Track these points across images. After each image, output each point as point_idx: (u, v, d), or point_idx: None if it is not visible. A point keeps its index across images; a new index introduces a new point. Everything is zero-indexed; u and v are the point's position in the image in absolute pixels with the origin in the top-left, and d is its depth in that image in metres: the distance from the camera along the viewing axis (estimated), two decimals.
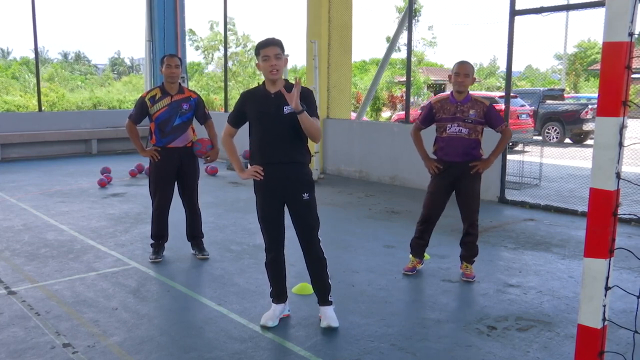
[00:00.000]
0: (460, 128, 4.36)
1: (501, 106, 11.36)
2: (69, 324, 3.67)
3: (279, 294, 3.72)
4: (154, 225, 5.05)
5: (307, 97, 3.45)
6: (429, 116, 4.54)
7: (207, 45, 27.32)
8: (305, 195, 3.53)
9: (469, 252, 4.60)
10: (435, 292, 4.35)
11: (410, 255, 4.76)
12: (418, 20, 25.95)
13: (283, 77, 3.52)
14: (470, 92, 4.48)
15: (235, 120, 3.67)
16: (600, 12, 6.28)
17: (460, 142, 4.38)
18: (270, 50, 3.37)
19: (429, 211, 4.60)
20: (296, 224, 3.60)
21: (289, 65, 3.62)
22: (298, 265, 3.72)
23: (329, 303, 3.68)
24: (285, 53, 3.47)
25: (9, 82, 26.91)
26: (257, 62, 3.48)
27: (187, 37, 25.69)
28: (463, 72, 4.33)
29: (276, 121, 3.44)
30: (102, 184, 8.71)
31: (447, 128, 4.40)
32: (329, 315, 3.64)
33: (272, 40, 3.42)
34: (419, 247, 4.70)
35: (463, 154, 4.40)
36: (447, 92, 4.56)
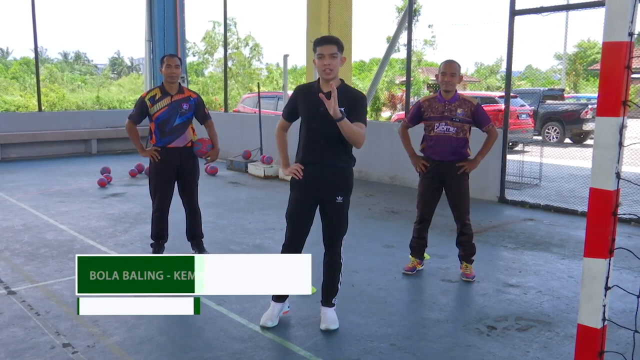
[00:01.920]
0: (448, 127, 4.38)
1: (501, 106, 11.34)
2: (69, 324, 3.66)
3: None
4: (154, 225, 5.05)
5: (356, 102, 3.42)
6: (417, 115, 4.55)
7: (208, 43, 27.27)
8: (339, 198, 3.51)
9: (466, 252, 4.60)
10: (435, 292, 4.35)
11: (410, 256, 4.76)
12: (417, 20, 25.93)
13: (339, 77, 3.45)
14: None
15: (289, 113, 3.62)
16: (600, 12, 6.27)
17: (448, 141, 4.39)
18: (326, 48, 3.32)
19: (423, 211, 4.62)
20: (325, 224, 3.59)
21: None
22: None
23: (332, 305, 3.67)
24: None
25: (9, 82, 26.92)
26: (314, 58, 3.43)
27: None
28: (449, 71, 4.34)
29: (324, 121, 3.37)
30: (102, 184, 8.71)
31: (435, 127, 4.42)
32: (329, 317, 3.63)
33: (329, 38, 3.39)
34: (418, 247, 4.71)
35: (451, 153, 4.42)
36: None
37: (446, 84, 4.36)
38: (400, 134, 4.70)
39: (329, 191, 3.49)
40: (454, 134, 4.38)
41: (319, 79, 3.48)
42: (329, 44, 3.33)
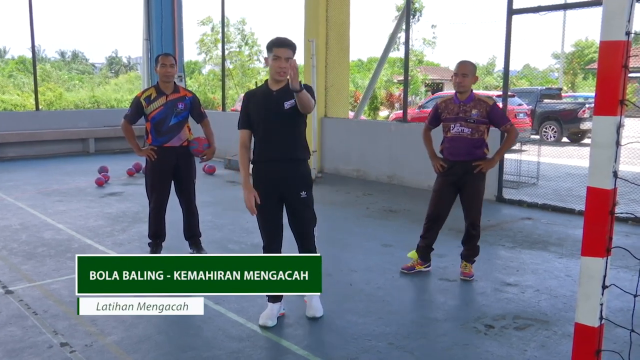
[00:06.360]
0: (463, 128, 4.37)
1: (499, 105, 11.29)
2: (67, 323, 3.66)
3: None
4: (151, 224, 5.04)
5: (307, 88, 3.47)
6: (435, 116, 4.59)
7: (205, 40, 27.21)
8: (303, 194, 3.56)
9: (470, 252, 4.59)
10: (433, 290, 4.35)
11: (411, 254, 4.74)
12: (418, 20, 25.92)
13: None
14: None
15: (246, 122, 3.61)
16: (598, 11, 6.28)
17: (464, 142, 4.38)
18: (283, 51, 3.37)
19: (434, 209, 4.59)
20: (293, 221, 3.62)
21: None
22: None
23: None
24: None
25: (5, 82, 26.83)
26: (266, 56, 3.48)
27: (199, 25, 25.28)
28: (461, 72, 4.34)
29: (277, 117, 3.46)
30: (100, 183, 8.70)
31: (451, 128, 4.43)
32: (314, 305, 3.72)
33: (287, 41, 3.42)
34: (423, 246, 4.66)
35: (466, 154, 4.40)
36: (448, 92, 4.56)
37: (458, 85, 4.36)
38: (422, 136, 4.74)
39: (292, 188, 3.54)
40: (469, 134, 4.36)
41: (266, 80, 3.56)
42: (286, 48, 3.38)
